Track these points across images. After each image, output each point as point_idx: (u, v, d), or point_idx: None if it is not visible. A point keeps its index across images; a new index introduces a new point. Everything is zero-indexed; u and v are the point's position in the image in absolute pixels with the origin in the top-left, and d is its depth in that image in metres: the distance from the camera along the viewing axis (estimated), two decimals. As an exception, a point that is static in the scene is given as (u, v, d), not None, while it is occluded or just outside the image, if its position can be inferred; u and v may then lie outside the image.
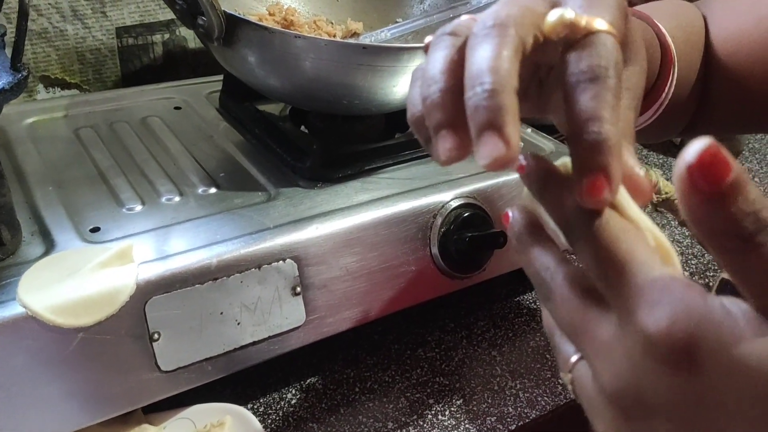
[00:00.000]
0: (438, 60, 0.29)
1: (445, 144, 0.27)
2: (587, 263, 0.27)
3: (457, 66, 0.28)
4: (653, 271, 0.25)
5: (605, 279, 0.26)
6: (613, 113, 0.26)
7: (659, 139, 0.67)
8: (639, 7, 0.46)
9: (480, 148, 0.25)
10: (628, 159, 0.29)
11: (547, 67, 0.34)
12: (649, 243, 0.27)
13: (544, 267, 0.29)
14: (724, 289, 0.37)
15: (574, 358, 0.29)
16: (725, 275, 0.38)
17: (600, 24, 0.28)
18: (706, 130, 0.49)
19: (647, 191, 0.29)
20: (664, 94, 0.45)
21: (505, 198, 0.60)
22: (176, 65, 0.86)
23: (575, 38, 0.28)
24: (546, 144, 0.68)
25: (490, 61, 0.26)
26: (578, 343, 0.28)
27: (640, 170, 0.29)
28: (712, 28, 0.48)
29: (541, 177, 0.31)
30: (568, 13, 0.28)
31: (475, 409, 0.54)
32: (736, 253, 0.24)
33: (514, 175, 0.60)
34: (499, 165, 0.25)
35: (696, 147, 0.22)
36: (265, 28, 0.54)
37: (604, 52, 0.27)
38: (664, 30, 0.45)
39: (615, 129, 0.26)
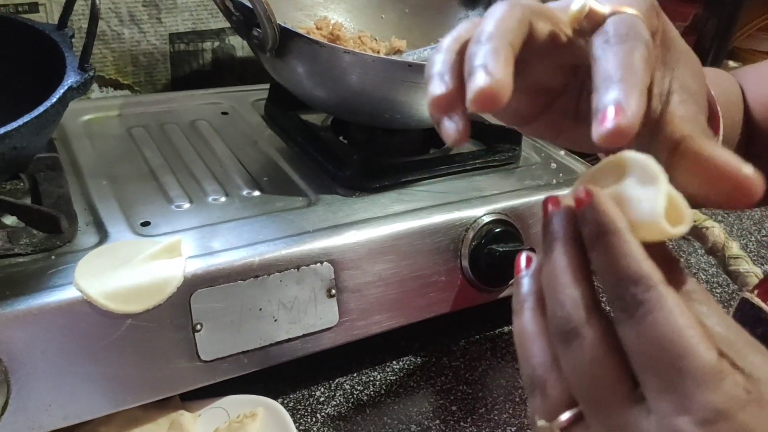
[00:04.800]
0: (455, 33, 0.30)
1: (435, 89, 0.28)
2: (639, 343, 0.25)
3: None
4: (709, 354, 0.24)
5: (659, 365, 0.25)
6: (642, 65, 0.26)
7: None
8: None
9: (468, 86, 0.26)
10: (725, 154, 0.28)
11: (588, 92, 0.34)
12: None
13: (576, 303, 0.27)
14: (744, 307, 0.39)
15: (567, 415, 0.27)
16: (746, 294, 0.39)
17: (626, 9, 0.28)
18: None
19: (755, 189, 0.27)
20: None
21: (536, 216, 0.62)
22: (224, 72, 0.89)
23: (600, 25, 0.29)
24: (578, 167, 0.69)
25: (489, 24, 0.28)
26: (596, 414, 0.26)
27: (745, 165, 0.27)
28: (748, 95, 0.49)
29: (595, 221, 0.27)
30: (588, 2, 0.29)
31: (496, 418, 0.56)
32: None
33: (547, 195, 0.62)
34: (483, 99, 0.26)
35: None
36: (316, 43, 0.56)
37: (630, 21, 0.28)
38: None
39: (639, 77, 0.26)
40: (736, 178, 0.28)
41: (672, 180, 0.27)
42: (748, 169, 0.28)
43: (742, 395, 0.24)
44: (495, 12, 0.29)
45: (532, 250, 0.57)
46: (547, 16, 0.30)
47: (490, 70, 0.26)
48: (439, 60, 0.29)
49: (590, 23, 0.29)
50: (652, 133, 0.31)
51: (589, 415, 0.27)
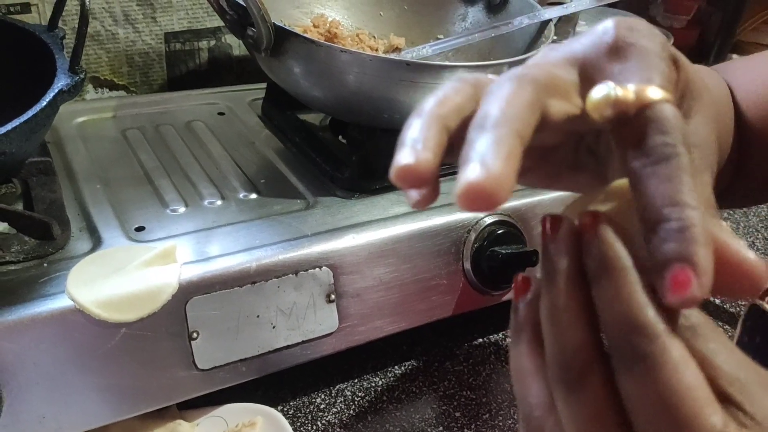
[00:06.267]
0: (440, 94, 0.26)
1: (401, 158, 0.24)
2: (641, 400, 0.23)
3: (459, 109, 0.25)
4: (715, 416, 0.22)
5: (661, 427, 0.22)
6: (693, 194, 0.23)
7: None
8: None
9: (460, 174, 0.22)
10: (726, 237, 0.24)
11: (595, 135, 0.31)
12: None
13: (577, 349, 0.24)
14: (754, 315, 0.38)
15: None
16: (757, 301, 0.38)
17: (653, 93, 0.24)
18: (744, 198, 0.48)
19: (761, 277, 0.25)
20: None
21: (539, 217, 0.60)
22: (220, 71, 0.88)
23: (626, 114, 0.24)
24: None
25: (494, 106, 0.23)
26: None
27: (747, 251, 0.24)
28: (738, 94, 0.47)
29: (598, 255, 0.24)
30: (612, 90, 0.24)
31: (501, 424, 0.54)
32: None
33: (550, 194, 0.61)
34: (473, 196, 0.21)
35: None
36: (312, 42, 0.55)
37: (666, 126, 0.24)
38: None
39: (698, 213, 0.23)
40: (740, 266, 0.24)
41: None
42: (752, 255, 0.25)
43: None
44: (501, 90, 0.24)
45: (535, 252, 0.56)
46: (560, 91, 0.25)
47: (487, 163, 0.21)
48: (416, 125, 0.24)
49: (615, 111, 0.25)
50: None
51: None
